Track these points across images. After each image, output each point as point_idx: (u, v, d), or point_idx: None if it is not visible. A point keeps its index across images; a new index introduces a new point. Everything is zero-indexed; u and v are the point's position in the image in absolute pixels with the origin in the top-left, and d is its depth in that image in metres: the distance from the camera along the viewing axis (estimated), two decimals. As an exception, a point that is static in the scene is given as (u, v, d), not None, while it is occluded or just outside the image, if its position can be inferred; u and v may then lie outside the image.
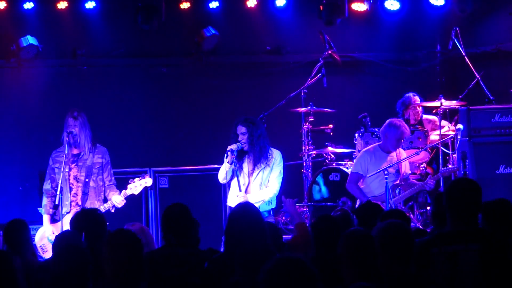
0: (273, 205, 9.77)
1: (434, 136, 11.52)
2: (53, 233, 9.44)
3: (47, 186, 9.72)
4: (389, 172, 10.30)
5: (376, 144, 10.85)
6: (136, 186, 9.65)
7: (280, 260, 4.19)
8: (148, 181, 9.75)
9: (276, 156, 9.75)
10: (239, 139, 9.68)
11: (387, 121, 10.72)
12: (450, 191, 5.62)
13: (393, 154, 10.60)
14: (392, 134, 10.56)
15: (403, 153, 10.74)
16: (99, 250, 6.50)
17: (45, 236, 9.53)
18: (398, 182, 10.57)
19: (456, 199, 5.55)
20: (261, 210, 9.31)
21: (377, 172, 10.29)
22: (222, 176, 9.81)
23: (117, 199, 9.54)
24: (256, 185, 9.69)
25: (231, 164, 9.61)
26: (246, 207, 6.22)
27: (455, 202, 5.55)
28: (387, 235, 5.38)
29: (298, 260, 4.19)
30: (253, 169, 9.70)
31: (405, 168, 10.73)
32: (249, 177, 9.73)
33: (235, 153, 9.61)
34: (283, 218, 11.31)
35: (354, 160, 11.04)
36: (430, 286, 5.34)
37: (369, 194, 10.45)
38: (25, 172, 12.80)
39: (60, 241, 6.50)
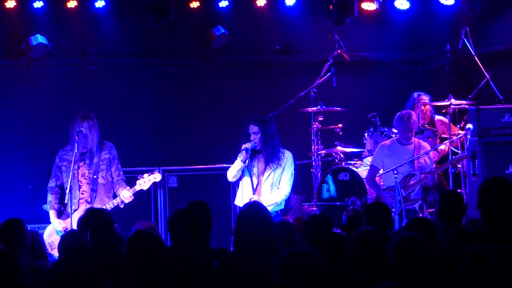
0: (282, 206, 9.75)
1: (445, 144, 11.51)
2: (61, 225, 9.45)
3: (51, 184, 9.77)
4: (402, 163, 10.58)
5: (395, 137, 11.12)
6: (145, 181, 9.69)
7: (292, 253, 4.20)
8: (157, 177, 9.78)
9: (288, 157, 9.73)
10: (251, 138, 9.65)
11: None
12: (483, 190, 5.58)
13: (412, 146, 10.87)
14: (399, 125, 11.00)
15: (426, 145, 11.00)
16: (105, 249, 6.52)
17: (53, 233, 9.55)
18: (412, 172, 10.84)
19: (488, 198, 5.51)
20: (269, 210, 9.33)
21: (386, 172, 10.66)
22: (232, 174, 9.78)
23: (126, 194, 9.58)
24: (267, 186, 9.66)
25: (244, 162, 9.59)
26: (254, 206, 6.21)
27: (487, 201, 5.51)
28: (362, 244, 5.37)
29: (309, 254, 4.21)
30: (265, 169, 9.68)
31: (424, 160, 10.89)
32: (259, 177, 9.70)
33: (249, 152, 9.59)
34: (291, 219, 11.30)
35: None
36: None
37: (386, 184, 10.89)
38: (34, 171, 12.81)
39: (65, 241, 6.50)
